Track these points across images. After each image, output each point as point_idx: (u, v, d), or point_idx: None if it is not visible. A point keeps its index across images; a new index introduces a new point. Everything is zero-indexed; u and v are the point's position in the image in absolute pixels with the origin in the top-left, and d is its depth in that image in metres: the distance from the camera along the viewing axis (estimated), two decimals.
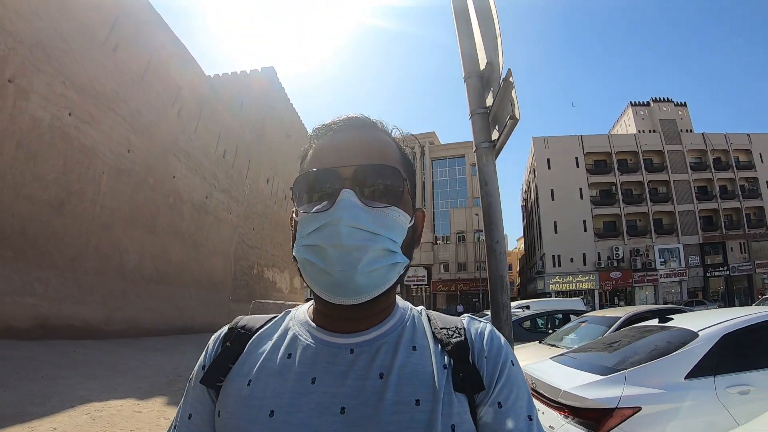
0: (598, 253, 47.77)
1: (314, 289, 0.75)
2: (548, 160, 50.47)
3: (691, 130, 55.22)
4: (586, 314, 9.32)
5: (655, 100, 57.06)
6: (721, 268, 48.05)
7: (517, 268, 77.65)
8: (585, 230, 48.40)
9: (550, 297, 38.93)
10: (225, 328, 0.88)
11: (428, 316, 0.88)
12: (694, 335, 3.65)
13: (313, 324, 0.82)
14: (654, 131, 53.63)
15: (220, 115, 22.46)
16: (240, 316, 0.91)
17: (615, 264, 47.31)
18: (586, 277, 46.69)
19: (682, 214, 49.15)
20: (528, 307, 16.47)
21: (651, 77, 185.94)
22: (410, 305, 0.89)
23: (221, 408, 0.76)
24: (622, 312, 7.41)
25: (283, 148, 33.25)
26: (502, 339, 0.83)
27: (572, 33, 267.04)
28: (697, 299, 40.25)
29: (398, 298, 0.87)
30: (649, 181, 50.24)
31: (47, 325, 11.80)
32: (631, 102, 59.59)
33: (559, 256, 47.49)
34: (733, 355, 3.50)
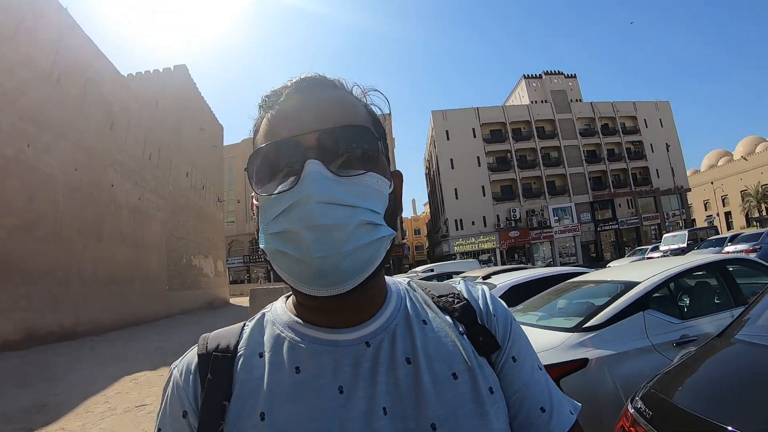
0: (497, 215, 52.95)
1: (290, 282, 0.65)
2: (447, 131, 54.68)
3: (580, 100, 60.41)
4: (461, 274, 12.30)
5: (546, 73, 61.46)
6: (610, 223, 54.75)
7: (425, 233, 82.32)
8: (484, 195, 53.36)
9: (455, 258, 43.08)
10: (193, 357, 0.72)
11: (420, 286, 0.82)
12: (493, 286, 6.74)
13: (308, 324, 0.71)
14: (546, 101, 58.63)
15: (142, 121, 24.03)
16: (203, 335, 0.76)
17: (513, 224, 52.75)
18: (487, 238, 51.64)
19: (573, 176, 55.18)
20: (432, 270, 19.72)
21: (544, 51, 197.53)
22: (393, 279, 0.83)
23: None
24: (481, 272, 10.40)
25: (198, 140, 34.77)
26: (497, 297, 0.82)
27: (470, 9, 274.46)
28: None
29: None
30: (542, 148, 55.76)
31: (35, 335, 13.77)
32: (524, 75, 63.24)
33: (461, 219, 52.05)
34: (515, 297, 5.91)
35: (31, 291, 14.13)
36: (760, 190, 60.84)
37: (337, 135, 0.64)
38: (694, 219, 70.70)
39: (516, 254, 52.15)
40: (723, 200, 69.14)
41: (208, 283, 34.51)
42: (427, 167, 69.88)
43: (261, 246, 0.66)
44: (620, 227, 54.29)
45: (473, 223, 51.91)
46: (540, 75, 61.90)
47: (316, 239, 0.59)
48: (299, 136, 0.64)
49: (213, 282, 35.85)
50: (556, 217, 53.50)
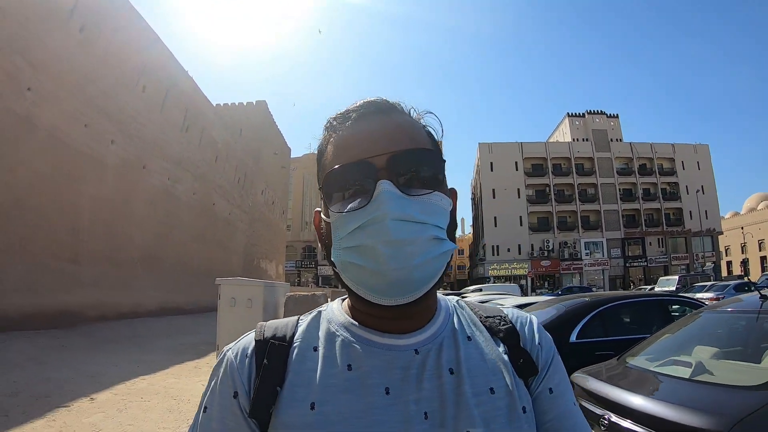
0: (532, 244, 57.25)
1: (361, 292, 0.69)
2: (491, 163, 59.32)
3: (620, 140, 63.61)
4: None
5: (589, 112, 64.81)
6: (640, 260, 57.99)
7: (468, 254, 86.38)
8: (521, 224, 57.81)
9: (489, 281, 47.53)
10: (250, 341, 0.76)
11: (468, 306, 0.86)
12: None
13: (364, 327, 0.75)
14: (587, 140, 62.16)
15: (235, 152, 31.00)
16: (260, 323, 0.80)
17: (546, 254, 56.87)
18: (520, 265, 55.81)
19: (607, 213, 58.72)
20: (480, 290, 21.77)
21: (590, 91, 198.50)
22: (444, 296, 0.86)
23: None
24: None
25: (271, 162, 41.86)
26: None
27: (521, 45, 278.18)
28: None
29: None
30: (579, 184, 59.49)
31: (166, 308, 20.43)
32: (568, 113, 66.56)
33: (498, 246, 56.66)
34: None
35: (163, 278, 20.81)
36: None
37: (407, 157, 0.69)
38: (731, 261, 72.86)
39: (546, 282, 56.14)
40: (759, 244, 70.23)
41: None
42: (473, 193, 74.41)
43: (332, 259, 0.71)
44: (649, 264, 57.31)
45: (509, 250, 56.50)
46: (583, 114, 65.21)
47: (391, 253, 0.64)
48: (371, 158, 0.68)
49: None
50: (587, 251, 57.29)
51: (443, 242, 0.69)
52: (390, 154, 0.68)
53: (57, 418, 5.60)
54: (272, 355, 0.72)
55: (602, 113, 65.13)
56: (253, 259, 36.27)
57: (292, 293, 10.78)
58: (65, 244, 14.72)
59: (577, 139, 62.96)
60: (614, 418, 2.88)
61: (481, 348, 0.76)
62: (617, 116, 66.41)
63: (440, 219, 0.70)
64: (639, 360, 3.68)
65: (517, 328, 0.81)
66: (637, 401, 2.89)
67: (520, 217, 57.92)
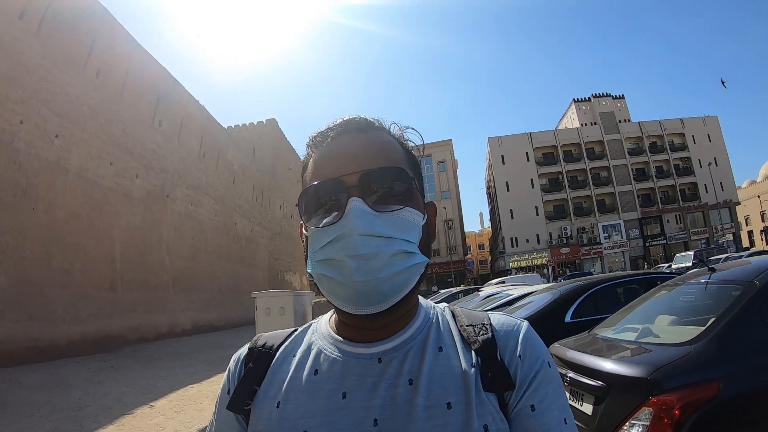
0: (550, 233, 56.86)
1: (334, 302, 0.73)
2: (502, 156, 58.95)
3: (628, 120, 62.32)
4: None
5: (595, 96, 63.64)
6: (659, 238, 56.93)
7: (488, 248, 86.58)
8: (537, 214, 57.35)
9: (511, 273, 47.79)
10: (245, 349, 0.86)
11: (453, 314, 0.84)
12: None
13: (338, 336, 0.80)
14: (595, 123, 61.37)
15: (250, 172, 32.17)
16: (259, 334, 0.88)
17: (564, 241, 56.47)
18: (540, 254, 55.37)
19: (622, 194, 57.81)
20: (504, 282, 21.59)
21: (593, 75, 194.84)
22: (433, 304, 0.86)
23: None
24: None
25: (286, 177, 43.05)
26: (539, 339, 0.78)
27: (515, 39, 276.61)
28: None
29: (420, 297, 0.84)
30: (592, 168, 58.74)
31: (197, 325, 21.55)
32: (574, 99, 65.95)
33: (516, 237, 56.57)
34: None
35: (195, 297, 21.95)
36: None
37: (378, 175, 0.72)
38: (751, 231, 71.65)
39: (567, 269, 55.10)
40: None
41: None
42: (487, 187, 74.41)
43: (308, 270, 0.76)
44: (668, 242, 56.40)
45: (527, 240, 56.40)
46: (589, 98, 64.14)
47: (357, 266, 0.67)
48: (344, 176, 0.72)
49: None
50: (606, 234, 56.64)
51: (412, 256, 0.72)
52: (362, 172, 0.72)
53: (125, 422, 6.60)
54: (258, 360, 0.82)
55: (608, 95, 63.94)
56: (277, 272, 37.40)
57: (317, 299, 11.88)
58: (103, 273, 15.86)
59: (585, 124, 61.84)
60: (572, 374, 3.55)
61: (450, 360, 0.74)
62: (623, 97, 65.18)
63: (410, 233, 0.73)
64: (604, 330, 4.25)
65: (499, 337, 0.77)
66: (589, 360, 3.47)
67: (536, 206, 57.36)
